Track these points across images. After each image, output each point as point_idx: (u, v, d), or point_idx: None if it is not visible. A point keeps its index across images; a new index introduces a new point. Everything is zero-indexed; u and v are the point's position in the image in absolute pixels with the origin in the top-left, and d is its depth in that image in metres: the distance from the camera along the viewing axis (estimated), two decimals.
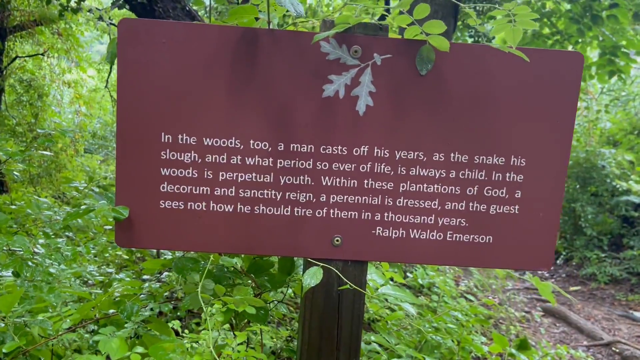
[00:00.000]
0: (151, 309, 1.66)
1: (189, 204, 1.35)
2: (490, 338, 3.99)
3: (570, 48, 7.90)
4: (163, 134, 1.32)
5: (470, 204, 1.36)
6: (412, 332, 2.61)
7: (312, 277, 1.28)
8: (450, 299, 4.06)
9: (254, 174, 1.34)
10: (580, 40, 7.51)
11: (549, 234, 1.36)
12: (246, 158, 1.33)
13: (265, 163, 1.34)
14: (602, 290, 6.36)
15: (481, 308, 4.72)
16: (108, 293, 1.61)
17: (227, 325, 1.55)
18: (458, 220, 1.36)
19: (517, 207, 1.36)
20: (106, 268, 3.07)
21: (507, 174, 1.35)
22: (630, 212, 6.79)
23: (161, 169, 1.33)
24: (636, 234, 6.81)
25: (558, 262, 7.30)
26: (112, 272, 2.81)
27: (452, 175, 1.34)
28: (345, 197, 1.36)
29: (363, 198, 1.36)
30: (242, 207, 1.35)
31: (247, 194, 1.35)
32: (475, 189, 1.35)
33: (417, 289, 4.31)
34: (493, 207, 1.36)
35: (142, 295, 1.74)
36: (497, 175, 1.35)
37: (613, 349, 4.69)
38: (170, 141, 1.32)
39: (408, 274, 4.40)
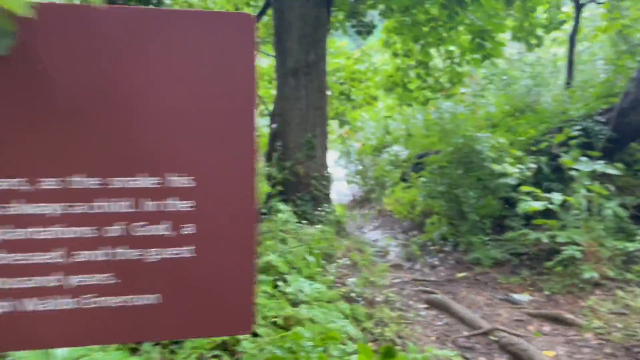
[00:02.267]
0: None
1: None
2: (375, 340, 3.72)
3: (445, 34, 7.87)
4: None
5: (117, 250, 0.89)
6: None
7: None
8: (325, 304, 3.72)
9: None
10: (452, 26, 7.49)
11: (244, 282, 0.92)
12: None
13: None
14: (486, 274, 6.34)
15: (362, 309, 4.43)
16: None
17: None
18: (101, 276, 0.89)
19: (191, 247, 0.91)
20: None
21: (168, 201, 0.89)
22: (509, 194, 6.85)
23: None
24: (516, 214, 6.90)
25: (447, 249, 7.28)
26: None
27: (77, 210, 0.86)
28: None
29: None
30: None
31: None
32: (120, 227, 0.88)
33: (290, 299, 3.92)
34: (153, 252, 0.90)
35: None
36: (151, 204, 0.89)
37: (491, 337, 4.62)
38: None
39: (279, 282, 3.99)
